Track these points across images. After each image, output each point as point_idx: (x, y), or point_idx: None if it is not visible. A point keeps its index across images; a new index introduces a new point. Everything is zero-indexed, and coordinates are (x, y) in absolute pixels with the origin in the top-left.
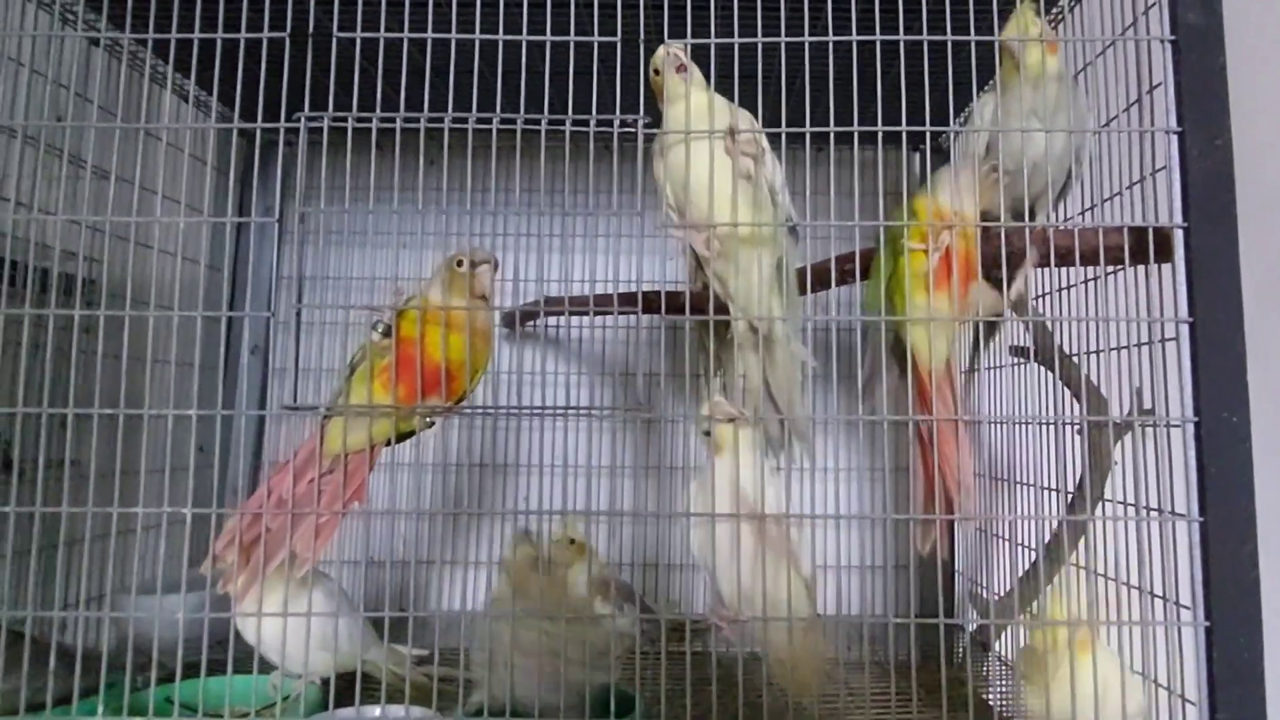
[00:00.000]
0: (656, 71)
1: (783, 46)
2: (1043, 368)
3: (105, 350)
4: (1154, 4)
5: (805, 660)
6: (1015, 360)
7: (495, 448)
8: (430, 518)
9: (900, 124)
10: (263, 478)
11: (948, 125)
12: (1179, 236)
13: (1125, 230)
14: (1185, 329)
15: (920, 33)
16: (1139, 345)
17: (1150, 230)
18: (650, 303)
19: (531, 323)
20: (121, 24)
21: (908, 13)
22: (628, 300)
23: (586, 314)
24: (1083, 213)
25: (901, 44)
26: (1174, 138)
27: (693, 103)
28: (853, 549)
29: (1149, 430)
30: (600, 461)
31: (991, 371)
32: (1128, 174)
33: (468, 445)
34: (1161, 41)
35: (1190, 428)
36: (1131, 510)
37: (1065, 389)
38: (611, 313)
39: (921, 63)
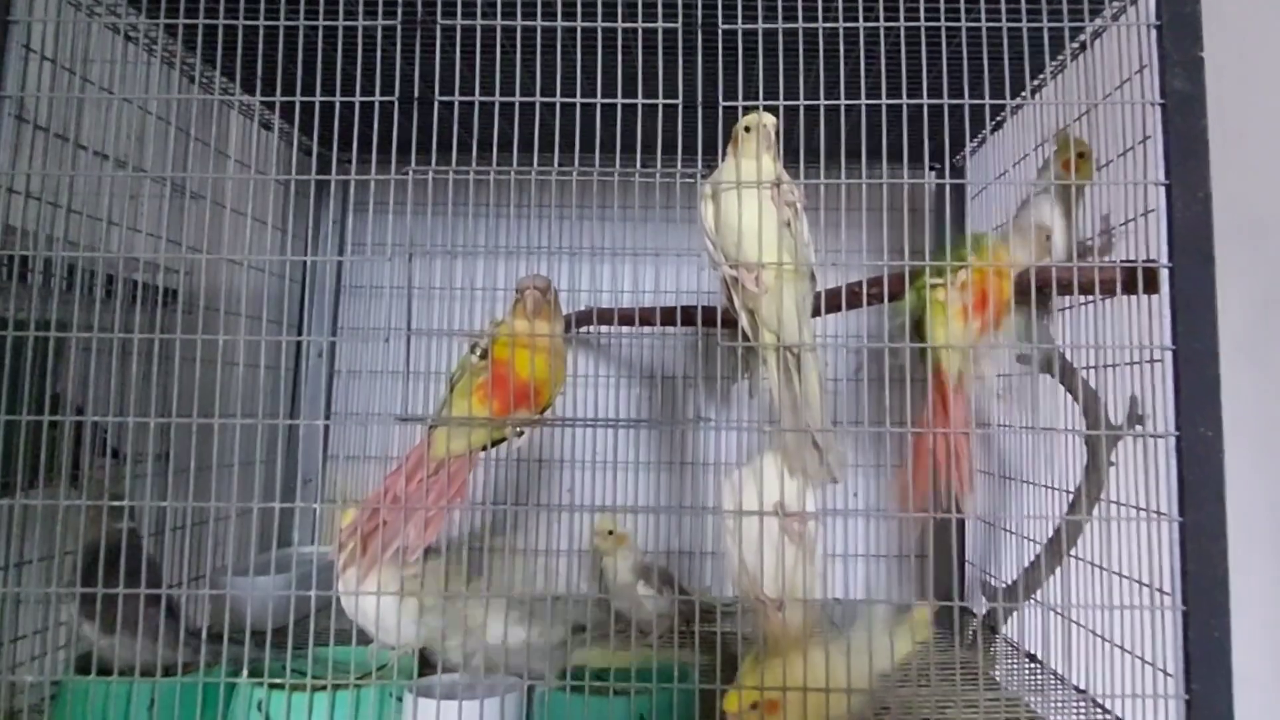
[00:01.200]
0: (747, 129)
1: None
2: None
3: (189, 355)
4: (1144, 67)
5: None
6: (1023, 370)
7: (541, 445)
8: (482, 510)
9: (919, 147)
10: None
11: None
12: (1165, 274)
13: (1118, 266)
14: (1169, 355)
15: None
16: (1129, 364)
17: (1140, 267)
18: (689, 317)
19: (586, 328)
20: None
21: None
22: (669, 315)
23: (633, 324)
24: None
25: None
26: (1162, 189)
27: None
28: (875, 539)
29: (1139, 440)
30: (638, 458)
31: (1002, 379)
32: (1122, 213)
33: (528, 443)
34: (1151, 104)
35: (1172, 440)
36: (1126, 510)
37: (1067, 394)
38: (654, 324)
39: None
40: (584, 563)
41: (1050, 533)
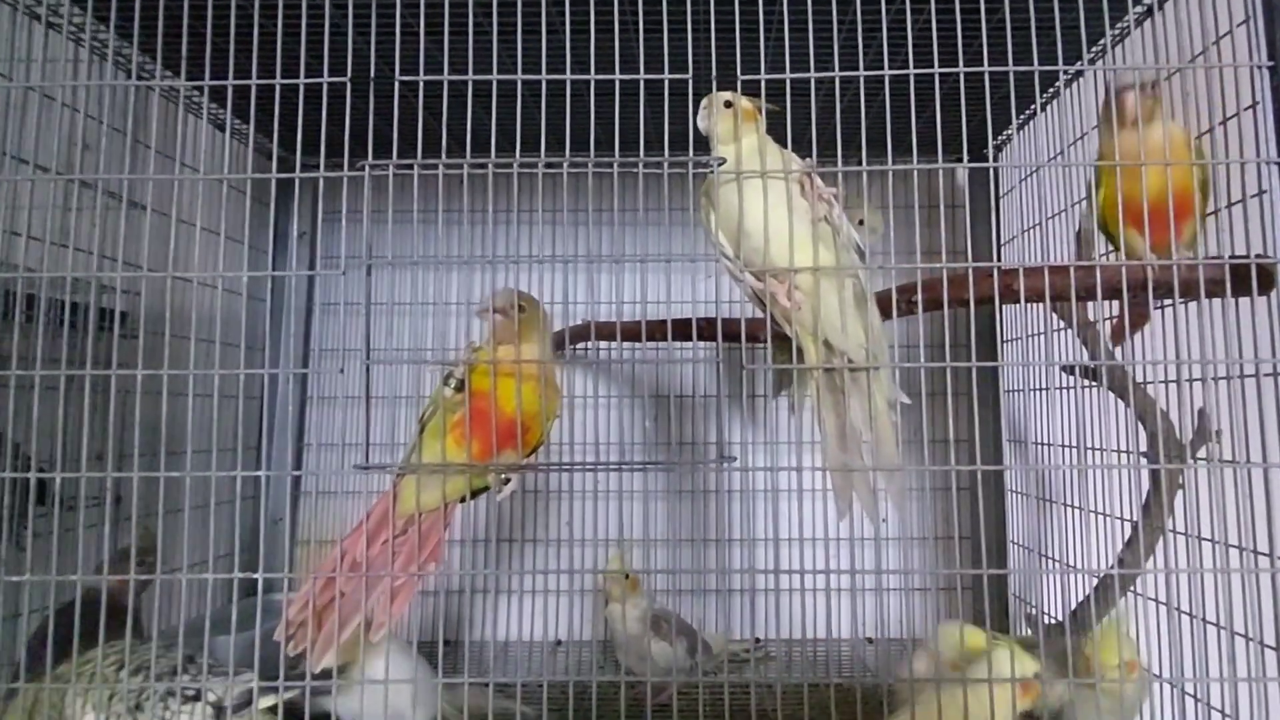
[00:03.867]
0: (727, 104)
1: (837, 82)
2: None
3: (132, 387)
4: (1242, 23)
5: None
6: (1084, 383)
7: (538, 475)
8: (474, 545)
9: (947, 141)
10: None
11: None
12: None
13: (1227, 264)
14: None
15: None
16: (1224, 379)
17: (1252, 264)
18: (706, 331)
19: (583, 346)
20: (159, 57)
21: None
22: (683, 330)
23: (638, 340)
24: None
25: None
26: (1273, 168)
27: (745, 145)
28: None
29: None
30: (645, 487)
31: (1052, 392)
32: (1223, 197)
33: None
34: (1257, 68)
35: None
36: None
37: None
38: (664, 340)
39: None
40: (584, 605)
41: (1111, 563)
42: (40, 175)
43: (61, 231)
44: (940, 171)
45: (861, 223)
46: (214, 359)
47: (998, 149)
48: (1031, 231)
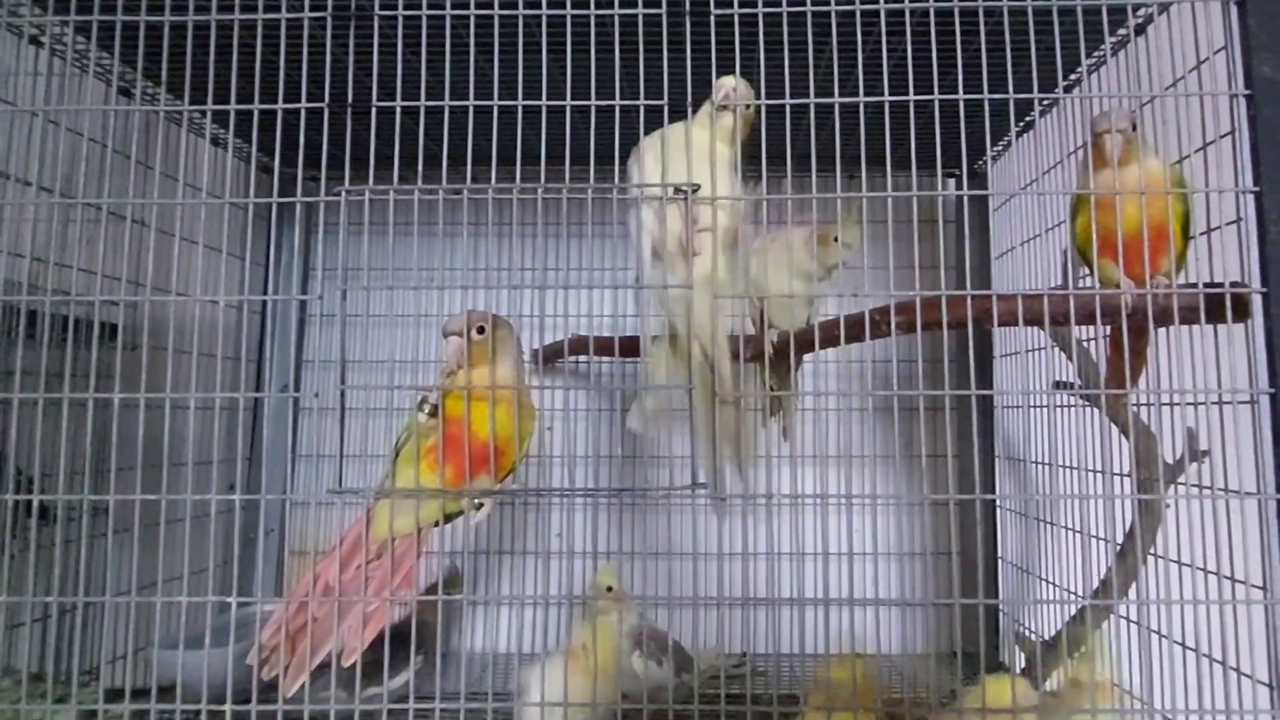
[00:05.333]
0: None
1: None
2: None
3: (132, 399)
4: (1220, 50)
5: None
6: (1068, 399)
7: (525, 481)
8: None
9: (936, 155)
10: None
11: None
12: (1257, 301)
13: (1201, 293)
14: (1264, 398)
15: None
16: (1206, 404)
17: (1227, 293)
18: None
19: (558, 361)
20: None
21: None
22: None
23: (612, 355)
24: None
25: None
26: (1249, 197)
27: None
28: (892, 585)
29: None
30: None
31: (1044, 409)
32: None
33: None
34: (1234, 96)
35: (1272, 504)
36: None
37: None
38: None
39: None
40: (564, 617)
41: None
42: (54, 199)
43: (61, 248)
44: (922, 190)
45: (836, 239)
46: (211, 372)
47: (994, 159)
48: (1023, 247)
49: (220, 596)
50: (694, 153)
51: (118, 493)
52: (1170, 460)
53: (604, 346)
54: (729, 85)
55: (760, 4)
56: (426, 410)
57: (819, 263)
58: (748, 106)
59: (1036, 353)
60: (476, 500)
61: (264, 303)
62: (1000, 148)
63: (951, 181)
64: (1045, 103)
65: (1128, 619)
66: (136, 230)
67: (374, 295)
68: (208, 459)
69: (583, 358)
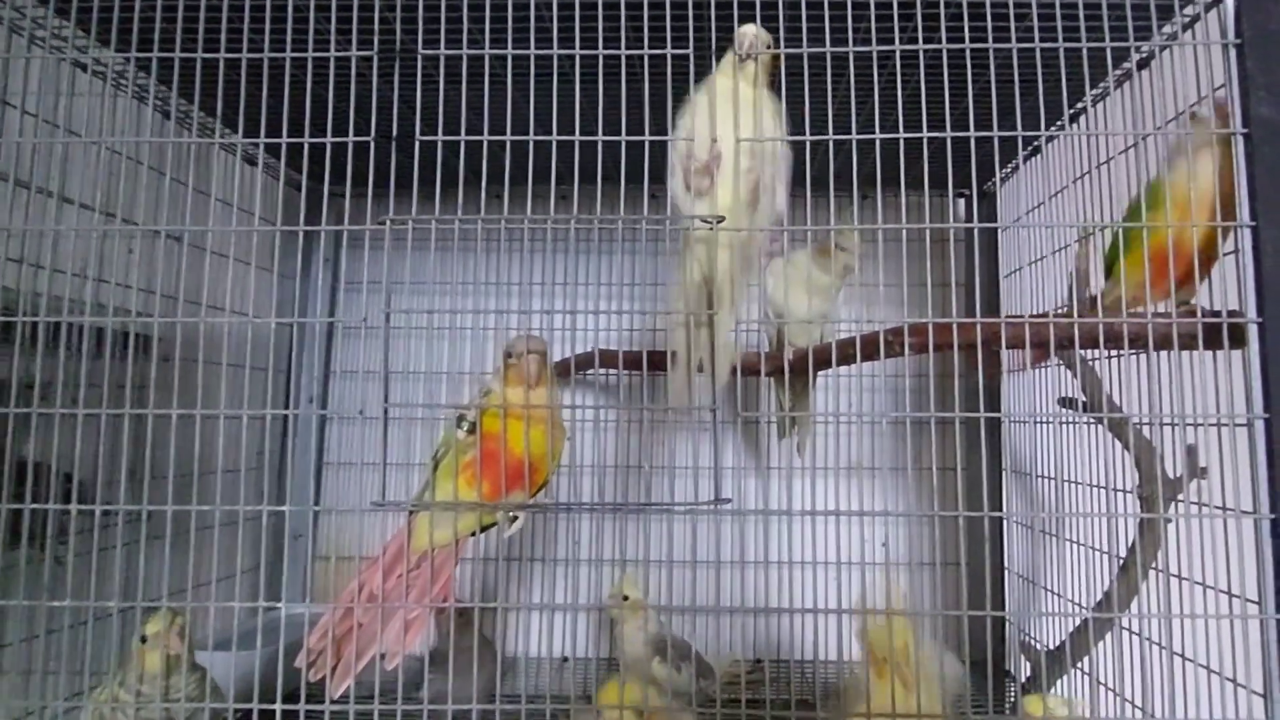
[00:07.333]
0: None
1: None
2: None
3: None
4: (1219, 88)
5: None
6: (1071, 416)
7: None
8: (484, 563)
9: (947, 178)
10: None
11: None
12: (1253, 330)
13: (1199, 321)
14: (1260, 423)
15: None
16: (1205, 426)
17: (1224, 322)
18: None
19: (586, 372)
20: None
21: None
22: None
23: (639, 370)
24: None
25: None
26: (1247, 232)
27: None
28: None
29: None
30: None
31: (1043, 425)
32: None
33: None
34: (1233, 135)
35: (1265, 524)
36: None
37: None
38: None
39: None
40: (589, 622)
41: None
42: (115, 225)
43: (100, 264)
44: (933, 209)
45: (840, 247)
46: (241, 383)
47: (1003, 180)
48: (1031, 267)
49: (250, 602)
50: (721, 99)
51: (151, 502)
52: (1171, 477)
53: (632, 361)
54: (750, 34)
55: (783, 45)
56: (465, 428)
57: (832, 272)
58: (768, 46)
59: (1044, 369)
60: (512, 514)
61: (294, 331)
62: (1009, 170)
63: (961, 201)
64: (1037, 140)
65: (1129, 630)
66: (171, 246)
67: (413, 298)
68: (235, 467)
69: (611, 371)
